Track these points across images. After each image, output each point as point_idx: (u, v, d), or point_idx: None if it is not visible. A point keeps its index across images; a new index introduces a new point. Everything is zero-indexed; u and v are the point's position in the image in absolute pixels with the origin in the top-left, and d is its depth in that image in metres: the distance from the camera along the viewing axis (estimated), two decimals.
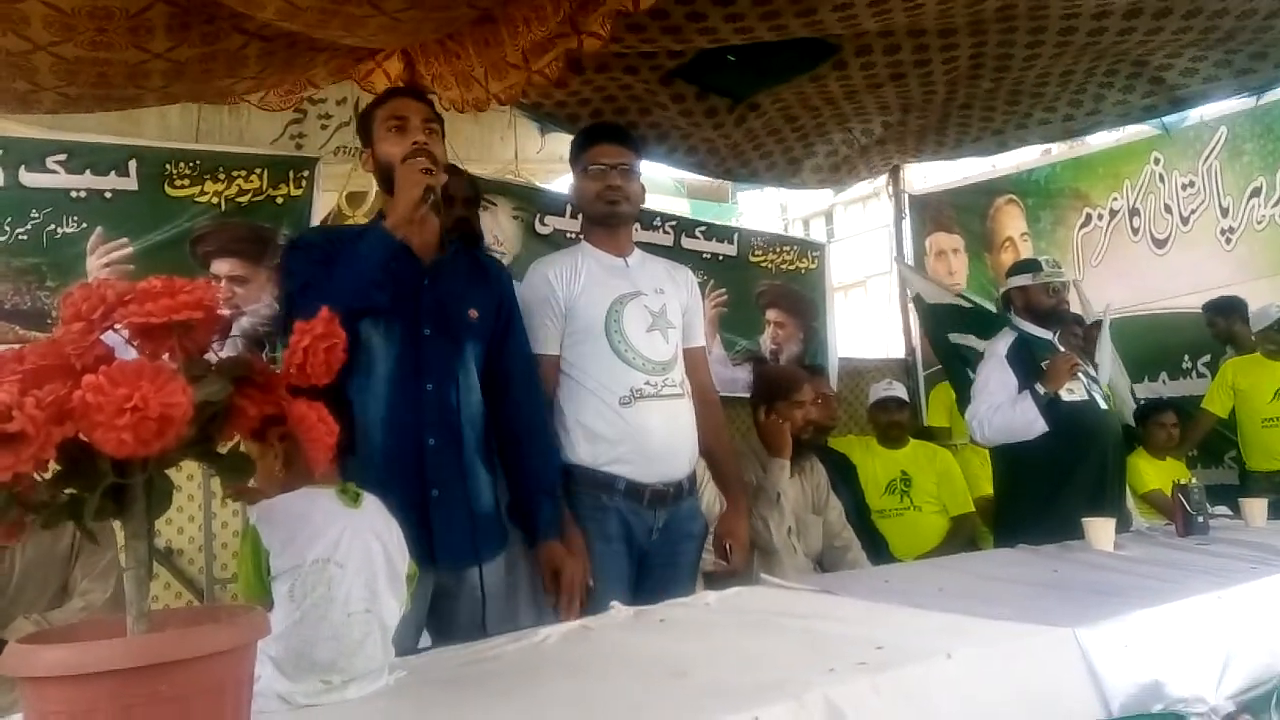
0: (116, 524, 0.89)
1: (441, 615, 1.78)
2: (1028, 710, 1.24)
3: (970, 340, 4.25)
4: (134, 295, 0.85)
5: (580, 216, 3.38)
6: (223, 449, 0.96)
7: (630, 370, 2.03)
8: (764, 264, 4.75)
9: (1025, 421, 2.83)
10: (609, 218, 2.14)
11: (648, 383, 2.04)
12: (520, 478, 1.91)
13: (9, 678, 0.84)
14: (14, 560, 2.00)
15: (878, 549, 3.14)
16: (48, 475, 0.85)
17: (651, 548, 2.04)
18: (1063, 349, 3.02)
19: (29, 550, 2.01)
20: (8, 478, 0.77)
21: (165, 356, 0.89)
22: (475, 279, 1.90)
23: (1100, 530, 2.31)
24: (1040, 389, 2.83)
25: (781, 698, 1.08)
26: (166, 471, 0.93)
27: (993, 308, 4.14)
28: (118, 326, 0.88)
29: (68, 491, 0.86)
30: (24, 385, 0.80)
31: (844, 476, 3.27)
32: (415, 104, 1.85)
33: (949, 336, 4.46)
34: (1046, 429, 2.81)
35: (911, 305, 5.08)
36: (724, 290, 4.48)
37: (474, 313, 1.85)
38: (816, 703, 1.09)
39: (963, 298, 4.64)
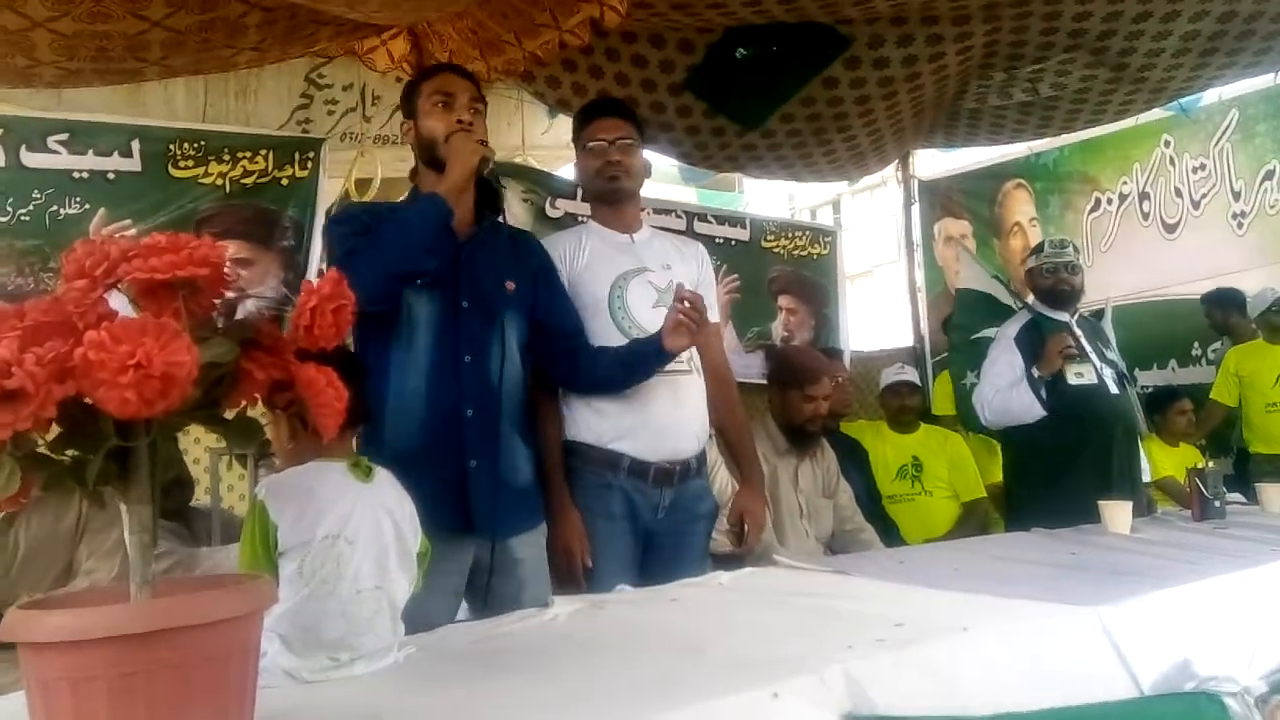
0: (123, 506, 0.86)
1: (478, 589, 1.78)
2: (1055, 687, 1.21)
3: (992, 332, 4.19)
4: (138, 251, 0.83)
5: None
6: (230, 414, 0.94)
7: None
8: (776, 249, 4.71)
9: (1023, 405, 2.86)
10: (610, 194, 2.11)
11: None
12: (604, 367, 1.96)
13: (12, 656, 0.82)
14: (18, 538, 1.98)
15: (889, 534, 3.12)
16: (49, 438, 0.83)
17: (658, 527, 2.01)
18: (1080, 332, 2.98)
19: (33, 528, 1.99)
20: (7, 435, 0.74)
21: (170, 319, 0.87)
22: (511, 251, 1.92)
23: (1117, 513, 2.28)
24: (1035, 372, 2.83)
25: (801, 672, 1.06)
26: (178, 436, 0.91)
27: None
28: (121, 285, 0.85)
29: (70, 454, 0.83)
30: (23, 342, 0.77)
31: (855, 461, 3.25)
32: (462, 81, 1.87)
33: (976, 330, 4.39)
34: (1045, 413, 2.81)
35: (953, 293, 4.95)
36: (736, 276, 4.45)
37: (511, 285, 1.86)
38: (837, 678, 1.06)
39: (998, 280, 4.56)
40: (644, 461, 1.98)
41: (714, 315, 2.24)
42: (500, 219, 1.94)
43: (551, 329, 1.93)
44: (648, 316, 2.03)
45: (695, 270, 2.19)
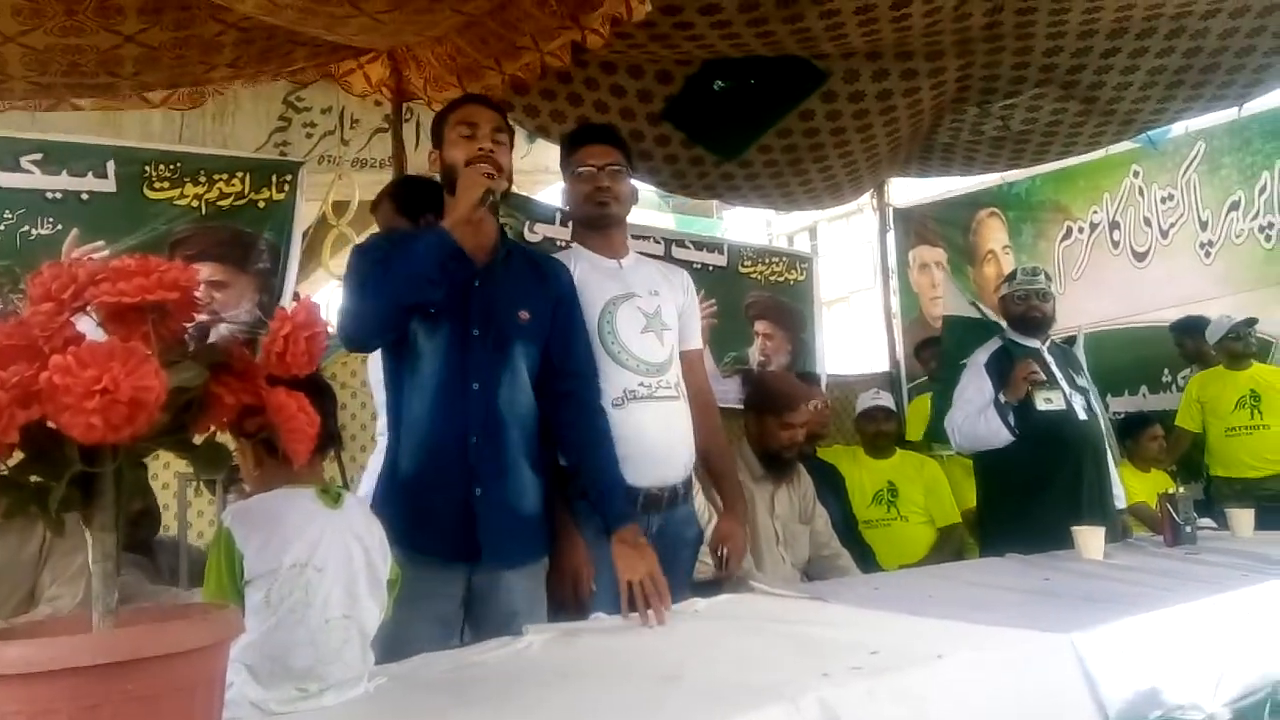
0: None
1: (475, 616, 1.76)
2: (1025, 715, 1.21)
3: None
4: (106, 274, 0.82)
5: (570, 224, 3.33)
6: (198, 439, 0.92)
7: (623, 371, 1.99)
8: (753, 275, 4.74)
9: (990, 430, 2.90)
10: (599, 219, 2.11)
11: (641, 384, 2.00)
12: (597, 475, 1.87)
13: None
14: None
15: (865, 560, 3.12)
16: (12, 462, 0.81)
17: None
18: (1050, 359, 3.02)
19: None
20: None
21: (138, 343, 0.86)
22: (530, 280, 1.91)
23: (1090, 539, 2.29)
24: (1002, 398, 2.87)
25: (776, 700, 1.05)
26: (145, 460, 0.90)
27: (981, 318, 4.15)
28: (89, 308, 0.84)
29: (33, 480, 0.82)
30: None
31: (832, 487, 3.25)
32: (487, 112, 1.88)
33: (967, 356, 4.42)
34: (1012, 438, 2.85)
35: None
36: (714, 301, 4.46)
37: (525, 314, 1.85)
38: (811, 706, 1.06)
39: (975, 306, 4.61)
40: (633, 488, 1.95)
41: (697, 341, 2.24)
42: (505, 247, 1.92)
43: (555, 363, 1.90)
44: (637, 342, 2.03)
45: (681, 297, 2.19)
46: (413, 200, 2.23)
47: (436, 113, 1.97)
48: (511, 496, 1.77)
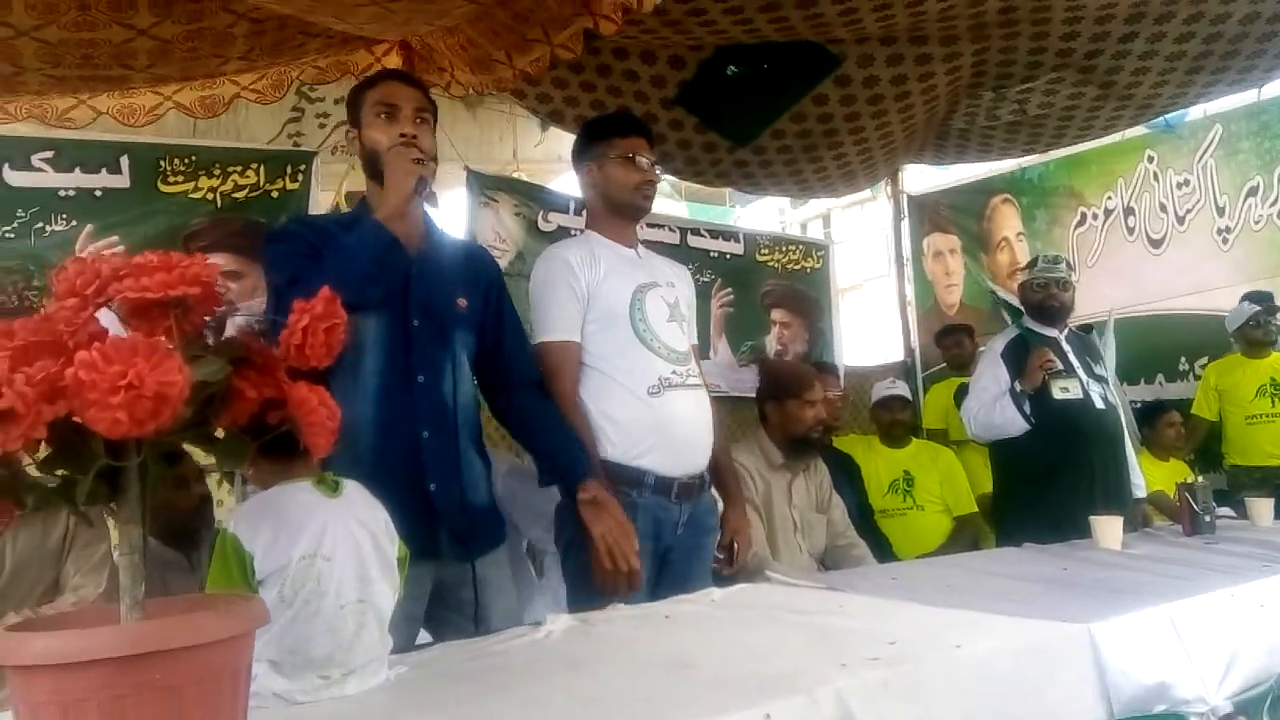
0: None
1: (439, 611, 1.73)
2: (1031, 710, 1.21)
3: None
4: (129, 270, 0.82)
5: (585, 212, 3.32)
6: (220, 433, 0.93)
7: (656, 359, 1.99)
8: (770, 263, 4.72)
9: (1006, 419, 2.91)
10: (638, 210, 2.12)
11: (674, 372, 1.99)
12: (549, 442, 1.87)
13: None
14: (4, 554, 1.97)
15: (881, 549, 3.11)
16: (40, 457, 0.82)
17: (675, 543, 1.99)
18: (1068, 348, 3.00)
19: (20, 544, 1.97)
20: None
21: (161, 338, 0.86)
22: (463, 266, 1.86)
23: (1108, 528, 2.28)
24: (1018, 387, 2.86)
25: (793, 692, 1.05)
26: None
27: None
28: (112, 304, 0.85)
29: (60, 474, 0.83)
30: (14, 362, 0.77)
31: (848, 476, 3.25)
32: (407, 90, 1.79)
33: None
34: (1028, 426, 2.84)
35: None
36: (730, 290, 4.45)
37: (463, 301, 1.80)
38: (827, 698, 1.06)
39: (991, 293, 4.59)
40: (668, 477, 1.95)
41: (694, 336, 2.21)
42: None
43: (490, 349, 1.86)
44: (665, 330, 2.04)
45: (689, 291, 2.22)
46: None
47: (351, 89, 1.87)
48: (467, 488, 1.74)
